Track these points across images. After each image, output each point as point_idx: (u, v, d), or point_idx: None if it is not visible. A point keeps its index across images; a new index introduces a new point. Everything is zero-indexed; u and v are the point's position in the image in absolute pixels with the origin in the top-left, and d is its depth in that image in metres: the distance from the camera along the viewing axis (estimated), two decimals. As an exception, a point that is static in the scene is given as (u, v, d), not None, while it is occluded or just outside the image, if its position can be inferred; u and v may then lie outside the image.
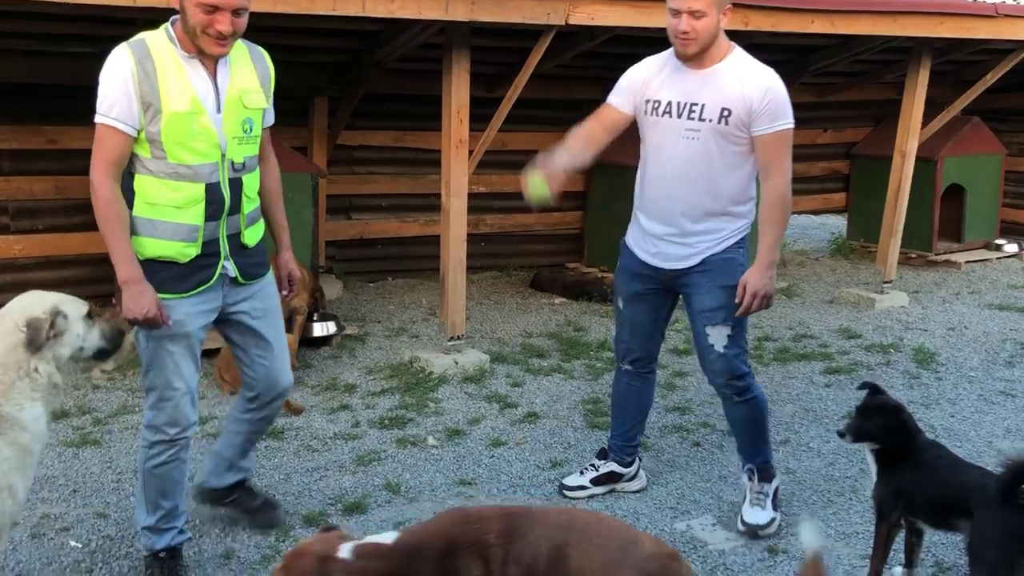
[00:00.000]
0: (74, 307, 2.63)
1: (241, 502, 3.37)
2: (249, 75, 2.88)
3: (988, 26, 6.21)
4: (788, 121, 3.21)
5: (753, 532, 3.43)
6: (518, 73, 5.19)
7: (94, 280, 6.05)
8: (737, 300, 3.23)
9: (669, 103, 3.29)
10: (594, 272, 7.45)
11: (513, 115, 5.70)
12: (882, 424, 2.97)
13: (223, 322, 3.04)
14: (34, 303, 2.57)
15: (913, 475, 2.92)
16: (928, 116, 6.81)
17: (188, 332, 2.88)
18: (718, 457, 4.10)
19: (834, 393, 4.97)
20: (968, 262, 8.23)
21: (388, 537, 2.18)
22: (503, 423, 4.48)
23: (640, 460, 3.83)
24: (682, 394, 4.92)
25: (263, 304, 3.06)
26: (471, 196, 5.36)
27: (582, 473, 3.77)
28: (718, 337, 3.35)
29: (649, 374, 3.67)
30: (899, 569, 3.11)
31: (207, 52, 2.72)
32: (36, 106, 5.82)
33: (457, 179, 5.10)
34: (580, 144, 3.46)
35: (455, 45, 4.88)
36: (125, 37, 2.80)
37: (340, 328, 5.57)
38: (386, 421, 4.43)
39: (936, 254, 8.27)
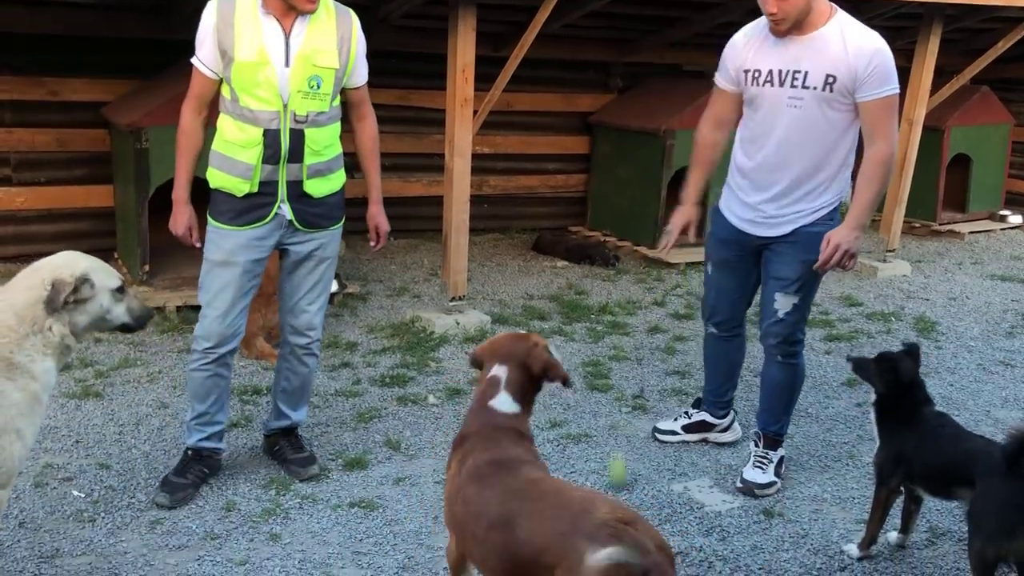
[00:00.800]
0: (106, 277, 2.65)
1: (282, 451, 3.55)
2: (327, 36, 3.09)
3: (1001, -7, 6.13)
4: (894, 87, 3.15)
5: (750, 489, 3.47)
6: (524, 32, 5.13)
7: (95, 234, 6.06)
8: (822, 253, 3.21)
9: (771, 71, 3.25)
10: (597, 236, 7.44)
11: (519, 75, 5.65)
12: (886, 375, 3.01)
13: (284, 254, 3.31)
14: (66, 264, 2.57)
15: (914, 442, 2.94)
16: (937, 84, 6.75)
17: (235, 261, 3.17)
18: (717, 421, 4.12)
19: (834, 360, 4.98)
20: (972, 232, 8.21)
21: None
22: (503, 383, 4.49)
23: (736, 413, 3.94)
24: (682, 358, 4.93)
25: (319, 253, 3.29)
26: (475, 157, 5.33)
27: (676, 419, 3.91)
28: (784, 304, 3.41)
29: (735, 336, 3.74)
30: (894, 534, 3.14)
31: (300, 8, 3.00)
32: (37, 57, 5.77)
33: (461, 138, 5.06)
34: (710, 157, 3.57)
35: (461, 2, 4.82)
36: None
37: (342, 286, 5.57)
38: (387, 379, 4.45)
39: (940, 224, 8.25)
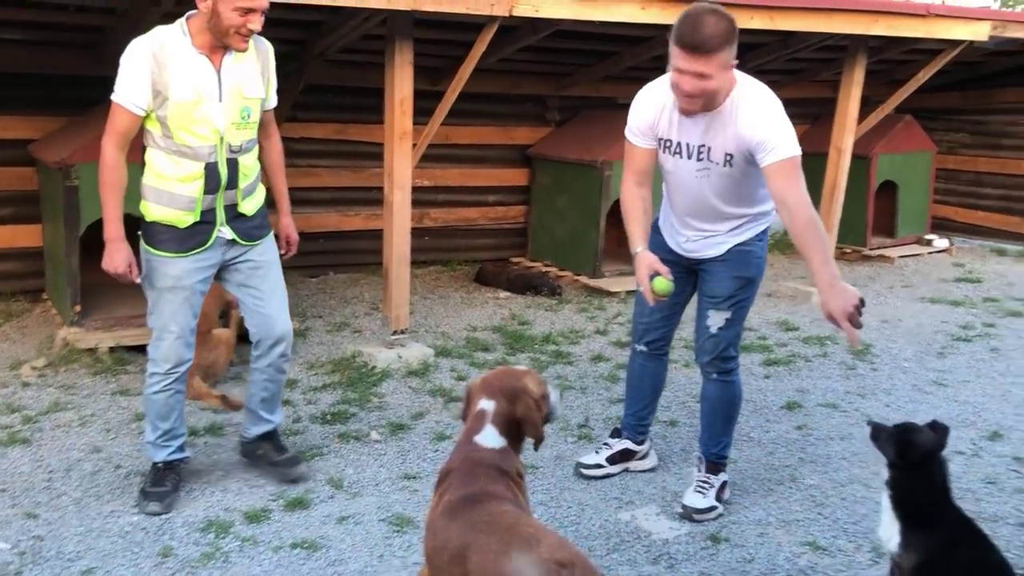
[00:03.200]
0: None
1: (266, 455, 3.69)
2: (251, 67, 3.27)
3: (920, 25, 6.37)
4: (791, 151, 3.09)
5: (689, 515, 3.48)
6: (461, 66, 5.16)
7: (24, 274, 5.89)
8: (847, 332, 2.90)
9: (679, 144, 3.31)
10: (538, 266, 7.47)
11: (458, 109, 5.66)
12: (904, 446, 2.61)
13: (224, 276, 3.47)
14: None
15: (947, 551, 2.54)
16: (863, 114, 6.96)
17: (185, 285, 3.32)
18: (661, 448, 4.13)
19: (773, 384, 5.05)
20: (901, 257, 8.45)
21: None
22: (448, 417, 4.45)
23: (652, 441, 3.96)
24: (624, 386, 4.94)
25: (261, 257, 3.47)
26: (415, 190, 5.32)
27: (597, 452, 3.88)
28: (717, 320, 3.46)
29: (663, 356, 3.78)
30: None
31: (234, 48, 3.15)
32: (-39, 94, 5.62)
33: (401, 171, 5.05)
34: (641, 208, 3.41)
35: (398, 36, 4.83)
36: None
37: (281, 323, 5.48)
38: (328, 416, 4.37)
39: (870, 249, 8.47)
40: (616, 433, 3.91)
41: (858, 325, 2.86)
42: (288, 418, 4.35)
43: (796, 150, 3.12)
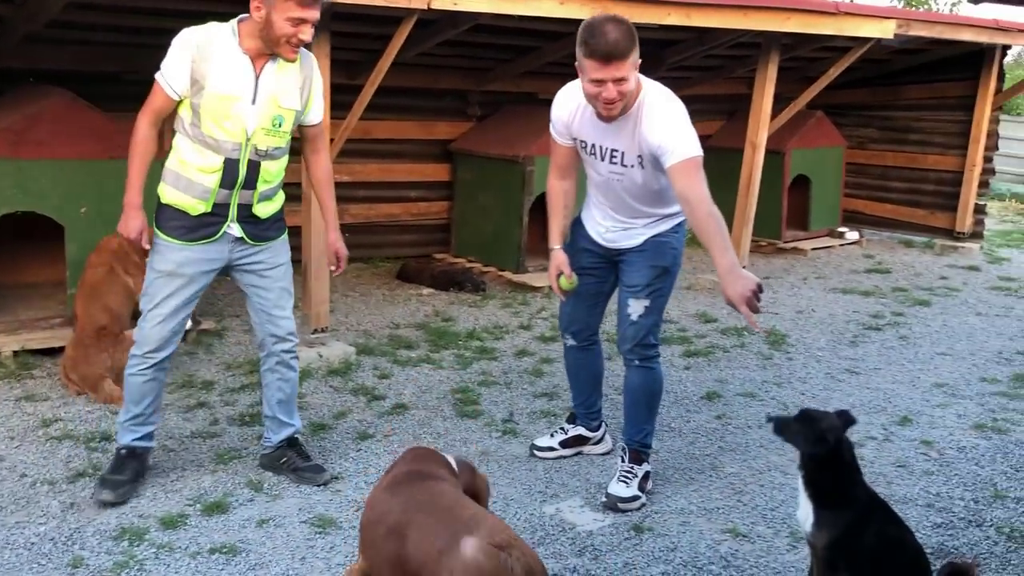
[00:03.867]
0: None
1: (291, 462, 3.68)
2: (292, 79, 3.34)
3: (830, 22, 6.56)
4: (691, 152, 3.19)
5: (613, 504, 3.52)
6: (380, 59, 5.09)
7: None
8: (745, 316, 3.04)
9: (593, 146, 3.44)
10: (462, 262, 7.45)
11: (378, 103, 5.60)
12: (810, 433, 2.67)
13: (234, 273, 3.53)
14: None
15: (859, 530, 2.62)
16: (776, 110, 7.13)
17: (184, 273, 3.37)
18: (585, 441, 4.16)
19: (693, 375, 5.13)
20: (814, 249, 8.70)
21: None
22: (370, 416, 4.40)
23: (606, 426, 4.07)
24: (550, 379, 4.97)
25: (271, 260, 3.53)
26: (336, 186, 5.22)
27: (552, 435, 3.99)
28: (636, 308, 3.55)
29: (592, 345, 3.87)
30: None
31: (284, 56, 3.24)
32: None
33: (318, 167, 4.95)
34: (562, 204, 3.65)
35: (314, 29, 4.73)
36: None
37: (196, 323, 5.34)
38: (247, 418, 4.27)
39: (785, 242, 8.70)
40: (572, 419, 4.02)
41: (756, 309, 3.01)
42: (205, 420, 4.24)
43: (697, 151, 3.22)
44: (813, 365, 5.40)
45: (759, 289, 3.01)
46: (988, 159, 9.07)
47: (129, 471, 3.49)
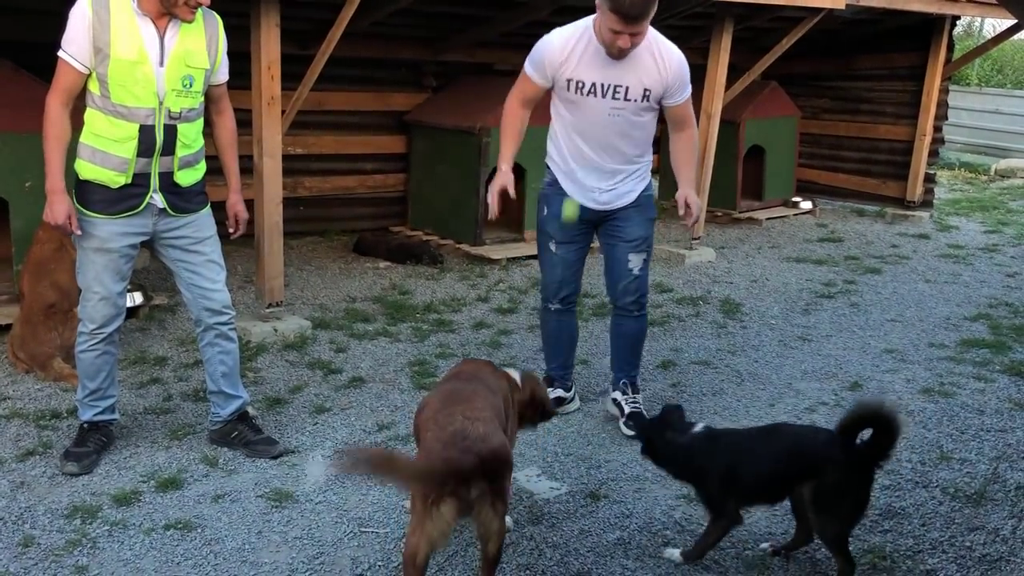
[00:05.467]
0: None
1: (242, 436, 3.66)
2: (197, 37, 3.29)
3: (782, -7, 6.57)
4: (689, 89, 3.73)
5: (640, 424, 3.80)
6: (331, 29, 5.01)
7: None
8: (682, 212, 3.72)
9: (594, 84, 3.62)
10: (419, 235, 7.41)
11: (331, 74, 5.52)
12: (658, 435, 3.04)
13: (158, 247, 3.48)
14: None
15: (725, 459, 2.89)
16: (730, 80, 7.16)
17: (111, 248, 3.34)
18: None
19: (648, 344, 5.13)
20: (768, 219, 8.79)
21: None
22: (327, 389, 4.38)
23: (575, 385, 4.30)
24: (507, 351, 4.98)
25: (196, 234, 3.48)
26: (288, 158, 5.18)
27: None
28: (636, 261, 3.85)
29: (574, 308, 4.13)
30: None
31: (181, 18, 3.18)
32: None
33: (270, 138, 4.89)
34: (519, 129, 3.80)
35: (263, -3, 4.66)
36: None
37: (148, 299, 5.26)
38: (200, 393, 4.22)
39: (740, 212, 8.77)
40: (548, 381, 4.13)
41: (691, 215, 3.68)
42: (158, 396, 4.20)
43: (689, 88, 3.76)
44: (766, 333, 5.48)
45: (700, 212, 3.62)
46: (938, 129, 9.22)
47: (92, 443, 3.52)
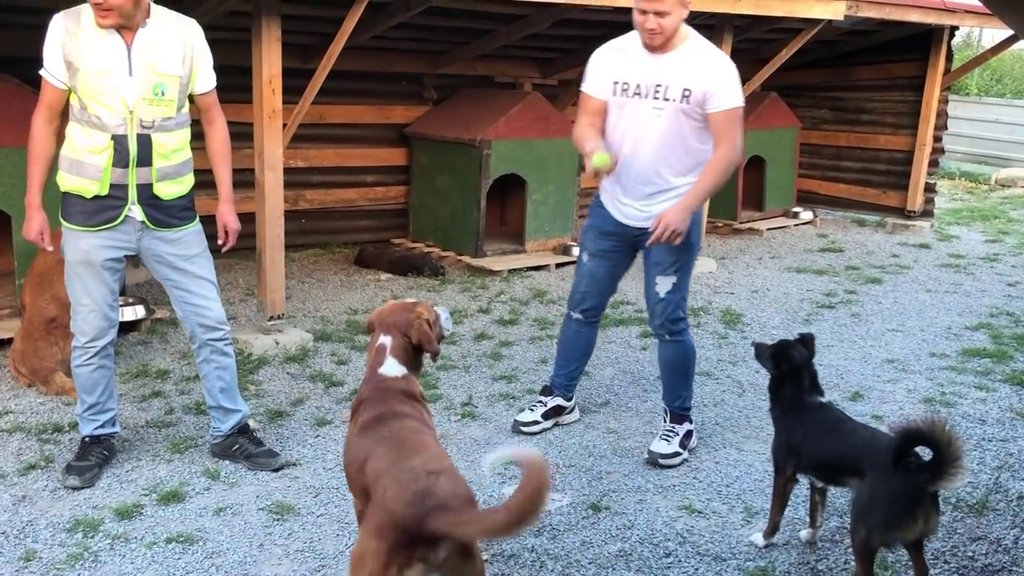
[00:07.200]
0: None
1: (244, 449, 3.67)
2: (168, 45, 3.29)
3: (781, 4, 6.61)
4: (736, 101, 3.57)
5: (655, 460, 3.77)
6: (332, 43, 5.04)
7: None
8: (651, 229, 3.54)
9: (637, 85, 3.62)
10: (420, 247, 7.42)
11: (332, 88, 5.54)
12: (778, 360, 3.15)
13: (148, 264, 3.49)
14: None
15: (802, 433, 3.05)
16: (731, 91, 7.17)
17: (93, 261, 3.34)
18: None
19: (650, 356, 5.18)
20: (769, 229, 8.80)
21: None
22: (328, 402, 4.38)
23: (576, 396, 4.27)
24: (508, 363, 4.98)
25: (186, 251, 3.47)
26: (289, 171, 5.20)
27: (532, 409, 4.11)
28: (664, 285, 3.76)
29: (596, 322, 4.08)
30: (804, 532, 3.21)
31: (96, 22, 3.16)
32: None
33: (271, 152, 4.92)
34: (596, 135, 3.71)
35: (264, 12, 4.69)
36: None
37: (150, 312, 5.28)
38: (202, 407, 4.21)
39: (740, 222, 8.79)
40: (547, 391, 4.15)
41: (662, 237, 3.49)
42: (160, 409, 4.20)
43: (741, 103, 3.61)
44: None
45: (679, 236, 3.50)
46: (938, 139, 9.23)
47: (94, 456, 3.53)
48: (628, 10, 6.10)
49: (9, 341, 4.58)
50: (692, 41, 3.61)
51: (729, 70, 3.59)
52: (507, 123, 6.89)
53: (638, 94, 3.63)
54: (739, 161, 3.62)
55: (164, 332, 5.24)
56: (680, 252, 3.70)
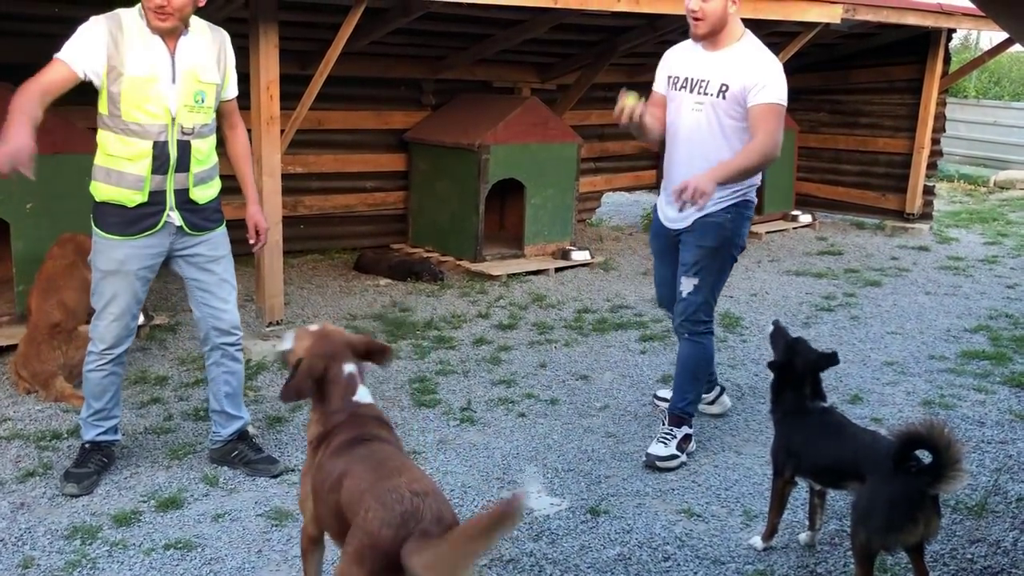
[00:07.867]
0: None
1: (243, 455, 3.68)
2: (206, 54, 3.34)
3: (778, 8, 6.62)
4: (778, 98, 3.58)
5: (652, 462, 3.76)
6: (329, 49, 5.05)
7: None
8: (673, 191, 3.49)
9: (686, 78, 3.74)
10: (420, 252, 7.43)
11: (331, 93, 5.55)
12: (784, 350, 3.24)
13: (175, 261, 3.49)
14: None
15: (801, 437, 3.06)
16: (728, 95, 7.18)
17: (128, 271, 3.36)
18: (543, 427, 4.19)
19: (648, 359, 5.18)
20: (768, 232, 8.81)
21: None
22: (327, 407, 4.37)
23: (721, 388, 4.39)
24: (507, 367, 4.98)
25: (212, 252, 3.51)
26: (289, 177, 5.21)
27: (666, 444, 3.82)
28: (686, 285, 3.82)
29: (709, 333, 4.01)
30: (804, 535, 3.20)
31: (151, 25, 3.18)
32: None
33: (269, 157, 4.92)
34: (655, 121, 3.83)
35: (261, 18, 4.70)
36: None
37: (149, 318, 5.28)
38: (201, 413, 4.23)
39: (740, 226, 8.77)
40: (678, 421, 3.90)
41: (688, 198, 3.39)
42: (159, 416, 4.20)
43: (783, 101, 3.59)
44: (767, 347, 5.45)
45: (702, 196, 3.40)
46: (936, 141, 9.24)
47: (93, 463, 3.53)
48: (624, 15, 6.15)
49: (7, 349, 4.58)
50: (746, 40, 3.68)
51: (774, 68, 3.61)
52: (506, 128, 6.90)
53: (684, 88, 3.74)
54: (775, 157, 3.63)
55: (163, 338, 5.24)
56: (701, 256, 3.77)
